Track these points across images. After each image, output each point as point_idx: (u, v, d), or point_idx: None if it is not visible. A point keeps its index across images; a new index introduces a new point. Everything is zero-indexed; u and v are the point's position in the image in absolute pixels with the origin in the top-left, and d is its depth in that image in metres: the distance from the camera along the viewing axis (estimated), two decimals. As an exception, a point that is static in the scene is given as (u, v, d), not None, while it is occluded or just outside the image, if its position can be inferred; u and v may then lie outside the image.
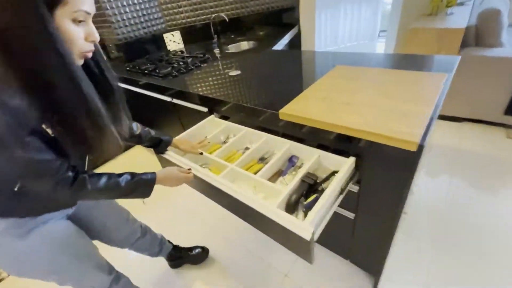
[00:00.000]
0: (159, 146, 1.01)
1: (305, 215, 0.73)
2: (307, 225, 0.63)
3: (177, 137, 1.08)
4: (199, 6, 2.26)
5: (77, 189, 0.63)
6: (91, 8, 0.53)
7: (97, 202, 0.93)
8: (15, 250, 0.68)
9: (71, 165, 0.63)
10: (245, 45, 2.16)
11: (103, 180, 0.68)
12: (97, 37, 0.55)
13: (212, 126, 1.24)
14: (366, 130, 0.69)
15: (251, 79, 1.29)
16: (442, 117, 2.12)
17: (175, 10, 2.24)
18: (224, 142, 1.17)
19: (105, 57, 0.68)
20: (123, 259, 1.21)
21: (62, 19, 0.48)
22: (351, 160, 0.81)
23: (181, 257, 1.35)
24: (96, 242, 0.93)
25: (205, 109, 1.28)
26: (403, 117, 0.72)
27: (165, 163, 1.03)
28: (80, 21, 0.52)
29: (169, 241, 1.32)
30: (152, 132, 1.00)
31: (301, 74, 1.24)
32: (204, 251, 1.38)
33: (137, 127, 0.94)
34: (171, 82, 1.48)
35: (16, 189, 0.61)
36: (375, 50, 4.13)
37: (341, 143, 0.83)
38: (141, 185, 0.75)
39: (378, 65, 1.14)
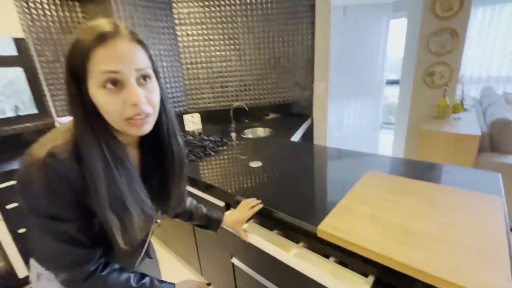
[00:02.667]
0: (210, 226, 0.93)
1: None
2: None
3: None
4: (221, 95, 2.42)
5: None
6: (117, 65, 0.45)
7: None
8: None
9: (99, 255, 0.56)
10: (261, 131, 2.20)
11: (121, 280, 0.58)
12: (136, 98, 0.47)
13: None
14: (454, 282, 0.54)
15: (274, 174, 1.21)
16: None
17: (198, 96, 2.39)
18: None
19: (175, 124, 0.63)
20: None
21: (94, 87, 0.47)
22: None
23: None
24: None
25: (221, 203, 1.15)
26: (488, 262, 0.57)
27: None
28: (113, 83, 0.46)
29: None
30: (204, 210, 0.91)
31: (330, 176, 1.16)
32: None
33: (190, 202, 0.90)
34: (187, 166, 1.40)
35: None
36: (378, 140, 4.30)
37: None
38: None
39: (413, 175, 1.06)
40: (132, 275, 0.60)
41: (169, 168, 0.63)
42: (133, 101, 0.47)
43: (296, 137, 1.89)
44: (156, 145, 0.61)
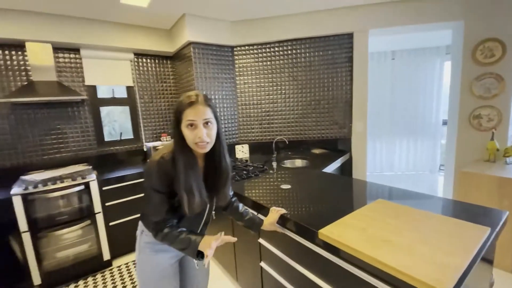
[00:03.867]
0: (253, 227, 1.23)
1: None
2: None
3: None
4: (267, 130, 2.85)
5: (158, 234, 0.95)
6: (194, 118, 0.88)
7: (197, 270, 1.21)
8: (147, 259, 1.04)
9: (172, 221, 0.97)
10: (299, 162, 2.49)
11: (176, 232, 0.96)
12: (201, 134, 0.89)
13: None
14: (407, 273, 0.74)
15: (298, 194, 1.49)
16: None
17: (248, 130, 2.87)
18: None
19: (225, 150, 1.04)
20: None
21: (183, 127, 0.90)
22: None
23: None
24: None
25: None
26: (437, 268, 0.75)
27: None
28: (191, 126, 0.89)
29: None
30: (251, 214, 1.26)
31: (344, 200, 1.38)
32: None
33: (242, 207, 1.26)
34: (233, 185, 1.78)
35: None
36: (436, 182, 4.01)
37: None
38: (191, 244, 0.95)
39: (420, 206, 1.21)
40: (180, 230, 0.97)
41: (219, 174, 1.02)
42: (199, 135, 0.89)
43: (329, 169, 2.12)
44: (213, 160, 1.01)
